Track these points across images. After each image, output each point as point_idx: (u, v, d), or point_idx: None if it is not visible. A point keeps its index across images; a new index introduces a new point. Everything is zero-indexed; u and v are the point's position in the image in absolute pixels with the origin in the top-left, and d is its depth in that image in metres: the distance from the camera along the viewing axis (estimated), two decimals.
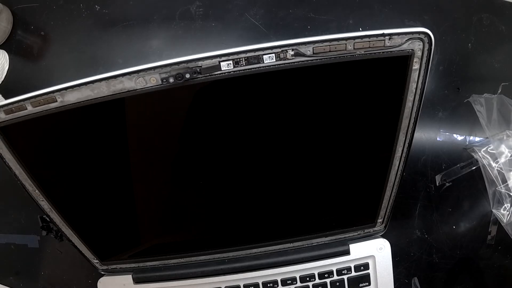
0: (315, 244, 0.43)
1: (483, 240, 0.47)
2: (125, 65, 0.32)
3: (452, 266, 0.48)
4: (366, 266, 0.43)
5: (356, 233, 0.44)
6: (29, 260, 0.50)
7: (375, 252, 0.43)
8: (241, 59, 0.30)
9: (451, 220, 0.48)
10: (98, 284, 0.45)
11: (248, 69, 0.30)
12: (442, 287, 0.48)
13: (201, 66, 0.30)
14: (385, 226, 0.44)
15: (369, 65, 0.31)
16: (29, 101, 0.31)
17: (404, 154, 0.37)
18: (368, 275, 0.44)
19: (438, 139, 0.48)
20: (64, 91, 0.31)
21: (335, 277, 0.43)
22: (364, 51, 0.30)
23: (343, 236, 0.43)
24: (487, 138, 0.47)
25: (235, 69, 0.30)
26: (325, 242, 0.43)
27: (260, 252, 0.44)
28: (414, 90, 0.32)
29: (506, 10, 0.50)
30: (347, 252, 0.43)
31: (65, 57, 0.50)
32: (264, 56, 0.30)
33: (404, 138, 0.35)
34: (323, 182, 0.39)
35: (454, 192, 0.48)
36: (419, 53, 0.30)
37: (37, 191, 0.36)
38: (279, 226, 0.43)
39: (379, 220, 0.43)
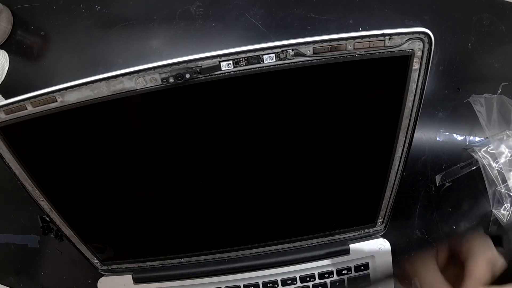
0: (315, 244, 0.43)
1: None
2: (125, 65, 0.32)
3: None
4: (366, 266, 0.43)
5: (356, 233, 0.44)
6: (29, 260, 0.50)
7: (375, 252, 0.43)
8: (241, 59, 0.30)
9: (451, 220, 0.48)
10: (98, 284, 0.45)
11: (248, 69, 0.30)
12: None
13: (201, 66, 0.30)
14: (385, 226, 0.44)
15: (369, 65, 0.31)
16: (29, 101, 0.31)
17: (404, 154, 0.37)
18: (368, 275, 0.43)
19: (438, 139, 0.48)
20: (64, 91, 0.31)
21: (335, 277, 0.43)
22: (364, 51, 0.30)
23: (343, 236, 0.43)
24: (487, 138, 0.47)
25: (235, 69, 0.30)
26: (325, 242, 0.43)
27: (260, 252, 0.44)
28: (414, 90, 0.32)
29: (506, 10, 0.50)
30: (347, 252, 0.43)
31: (65, 57, 0.50)
32: (264, 56, 0.30)
33: (404, 138, 0.35)
34: (323, 182, 0.39)
35: (454, 192, 0.48)
36: (419, 53, 0.30)
37: (37, 191, 0.36)
38: (279, 226, 0.43)
39: (379, 220, 0.43)
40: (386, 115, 0.34)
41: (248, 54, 0.30)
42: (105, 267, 0.44)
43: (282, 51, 0.30)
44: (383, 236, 0.44)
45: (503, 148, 0.46)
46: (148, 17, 0.49)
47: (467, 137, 0.48)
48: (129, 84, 0.31)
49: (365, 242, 0.43)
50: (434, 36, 0.30)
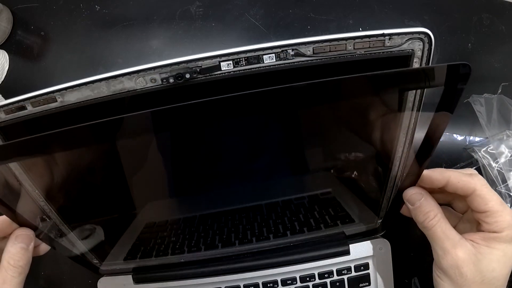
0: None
1: None
2: (125, 65, 0.32)
3: None
4: (366, 266, 0.43)
5: (356, 234, 0.43)
6: None
7: (375, 252, 0.43)
8: (241, 59, 0.30)
9: None
10: (98, 284, 0.45)
11: (248, 69, 0.30)
12: None
13: (201, 66, 0.30)
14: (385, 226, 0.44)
15: (369, 65, 0.31)
16: (29, 101, 0.31)
17: (404, 154, 0.37)
18: (368, 275, 0.43)
19: None
20: (64, 91, 0.31)
21: (335, 277, 0.43)
22: (364, 51, 0.30)
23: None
24: (487, 138, 0.47)
25: (235, 69, 0.30)
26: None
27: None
28: (415, 90, 0.32)
29: (506, 10, 0.50)
30: (347, 252, 0.43)
31: (65, 57, 0.50)
32: (264, 56, 0.30)
33: (404, 138, 0.35)
34: (323, 182, 0.39)
35: None
36: (419, 53, 0.30)
37: (37, 191, 0.36)
38: (279, 226, 0.43)
39: (379, 221, 0.43)
40: (386, 115, 0.34)
41: (248, 54, 0.30)
42: (105, 267, 0.44)
43: (282, 51, 0.30)
44: (383, 236, 0.44)
45: (503, 148, 0.46)
46: (148, 17, 0.49)
47: (467, 137, 0.48)
48: (129, 84, 0.31)
49: (365, 242, 0.43)
50: (434, 36, 0.30)
